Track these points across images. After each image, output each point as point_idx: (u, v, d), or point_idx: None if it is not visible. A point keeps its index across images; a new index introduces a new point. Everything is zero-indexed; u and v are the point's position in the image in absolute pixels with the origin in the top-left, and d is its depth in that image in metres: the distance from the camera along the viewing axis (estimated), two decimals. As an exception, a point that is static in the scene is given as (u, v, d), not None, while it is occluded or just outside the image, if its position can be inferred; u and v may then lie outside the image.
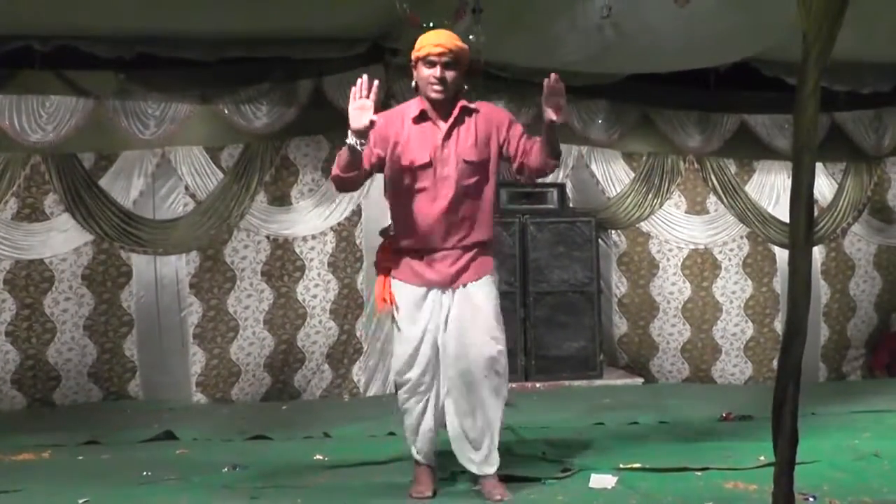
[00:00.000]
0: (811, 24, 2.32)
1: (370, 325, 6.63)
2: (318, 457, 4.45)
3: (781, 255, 7.27)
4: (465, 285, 3.54)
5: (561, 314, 6.70)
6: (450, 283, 3.53)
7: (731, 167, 7.44)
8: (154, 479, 4.00)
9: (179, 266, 6.37)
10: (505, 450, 4.24)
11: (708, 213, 7.41)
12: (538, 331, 6.60)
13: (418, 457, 3.63)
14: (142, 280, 6.31)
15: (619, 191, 7.24)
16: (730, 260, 7.41)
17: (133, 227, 6.22)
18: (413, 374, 3.54)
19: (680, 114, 7.31)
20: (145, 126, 6.20)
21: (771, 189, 7.45)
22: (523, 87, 6.68)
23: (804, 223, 2.33)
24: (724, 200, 7.37)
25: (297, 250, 6.56)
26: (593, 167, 7.21)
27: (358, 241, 6.64)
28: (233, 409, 6.10)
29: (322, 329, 6.57)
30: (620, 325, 7.32)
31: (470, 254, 3.56)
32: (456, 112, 3.55)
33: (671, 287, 7.32)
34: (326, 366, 6.59)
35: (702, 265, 7.36)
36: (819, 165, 6.91)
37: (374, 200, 6.62)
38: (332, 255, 6.60)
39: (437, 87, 3.49)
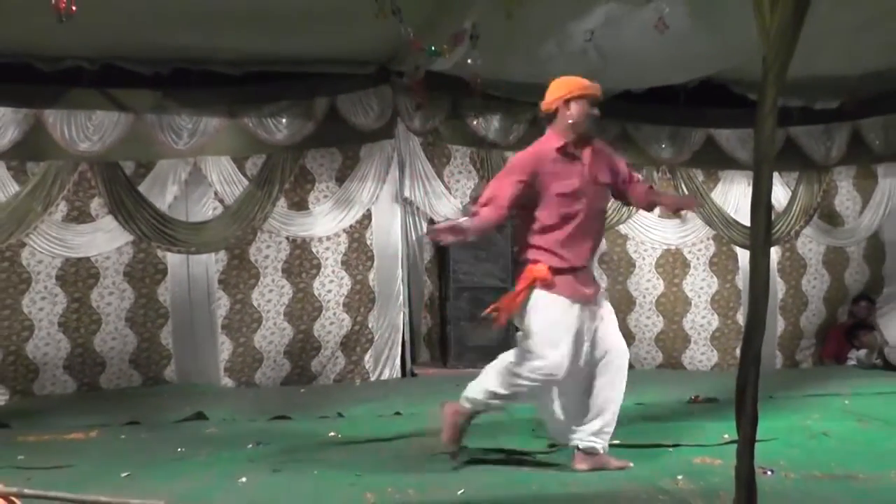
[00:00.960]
0: (770, 48, 2.26)
1: (380, 317, 6.63)
2: (332, 434, 4.45)
3: (743, 255, 7.27)
4: (597, 301, 3.61)
5: (550, 307, 6.66)
6: (592, 298, 3.58)
7: (699, 176, 7.42)
8: (187, 454, 4.01)
9: (209, 264, 6.36)
10: (500, 428, 4.27)
11: (679, 217, 7.40)
12: (529, 322, 6.55)
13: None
14: (176, 276, 6.32)
15: (600, 197, 7.22)
16: (698, 259, 7.40)
17: (168, 229, 6.21)
18: (559, 372, 3.48)
19: (654, 128, 7.27)
20: (179, 138, 6.19)
21: (734, 196, 7.42)
22: (515, 105, 6.67)
23: (763, 227, 2.30)
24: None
25: (314, 250, 6.55)
26: (578, 176, 7.19)
27: (368, 242, 6.63)
28: (256, 392, 6.09)
29: (336, 321, 6.56)
30: (601, 317, 7.31)
31: (593, 272, 3.69)
32: (590, 144, 3.61)
33: (646, 283, 7.31)
34: (340, 353, 6.58)
35: (673, 264, 7.35)
36: (775, 175, 6.87)
37: (382, 206, 6.64)
38: (346, 255, 6.59)
39: (593, 122, 3.57)
